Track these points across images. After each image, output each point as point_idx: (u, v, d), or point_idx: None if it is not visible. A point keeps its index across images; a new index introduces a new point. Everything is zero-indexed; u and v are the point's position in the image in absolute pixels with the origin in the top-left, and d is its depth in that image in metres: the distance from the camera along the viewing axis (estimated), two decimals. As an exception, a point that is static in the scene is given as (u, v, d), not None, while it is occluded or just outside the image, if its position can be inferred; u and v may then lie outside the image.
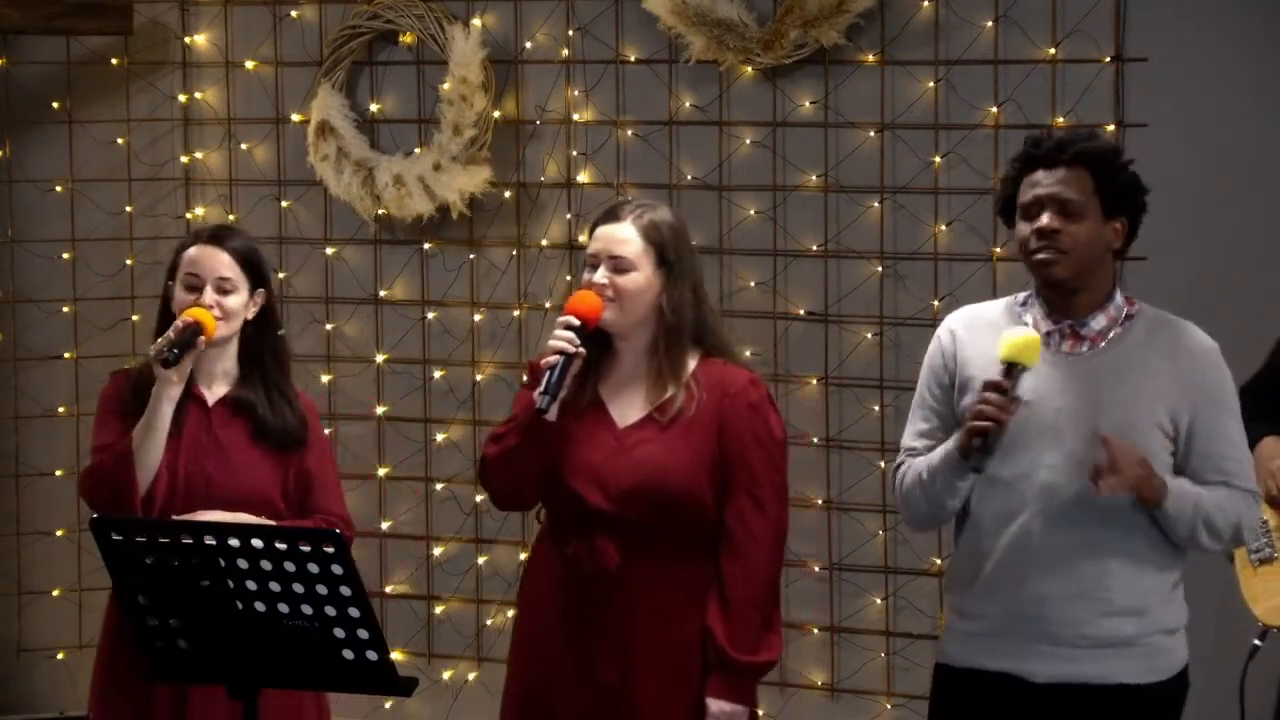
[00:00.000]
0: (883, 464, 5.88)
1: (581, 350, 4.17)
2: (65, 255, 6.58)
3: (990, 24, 5.71)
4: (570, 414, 4.23)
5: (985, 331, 4.11)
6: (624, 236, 4.27)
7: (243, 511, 4.45)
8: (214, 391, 4.57)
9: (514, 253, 6.29)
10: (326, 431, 6.35)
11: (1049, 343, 4.05)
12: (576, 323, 4.18)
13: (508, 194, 6.27)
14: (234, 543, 3.76)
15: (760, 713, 6.04)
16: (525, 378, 4.39)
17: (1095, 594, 3.97)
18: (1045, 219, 3.99)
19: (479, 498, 6.32)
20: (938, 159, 5.80)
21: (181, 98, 6.59)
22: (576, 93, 6.17)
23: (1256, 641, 4.82)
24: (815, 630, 5.99)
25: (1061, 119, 5.62)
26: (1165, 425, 4.00)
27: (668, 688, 4.22)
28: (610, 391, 4.29)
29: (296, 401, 4.61)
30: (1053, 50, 5.65)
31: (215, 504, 4.46)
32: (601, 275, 4.24)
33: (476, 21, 6.21)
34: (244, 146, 6.56)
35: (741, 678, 4.23)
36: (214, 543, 3.77)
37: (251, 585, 3.78)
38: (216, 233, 4.61)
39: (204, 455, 4.51)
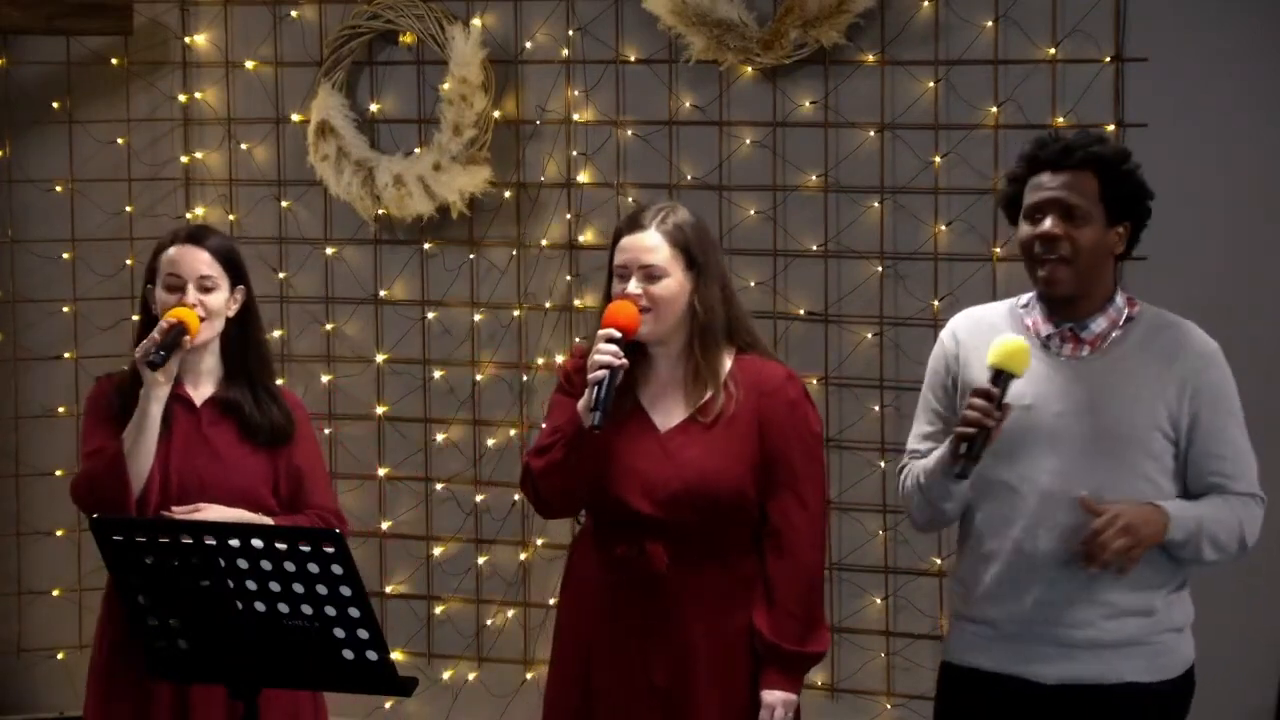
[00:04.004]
0: (883, 464, 5.88)
1: (625, 362, 4.16)
2: (65, 255, 6.58)
3: (990, 24, 5.71)
4: (613, 423, 4.19)
5: (986, 334, 4.09)
6: (651, 244, 4.26)
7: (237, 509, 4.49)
8: (200, 391, 4.60)
9: (514, 253, 6.29)
10: (326, 431, 6.38)
11: (1049, 346, 4.04)
12: (618, 335, 4.16)
13: (508, 194, 6.27)
14: (234, 543, 3.77)
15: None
16: (562, 381, 4.37)
17: (1098, 597, 3.96)
18: (1048, 224, 3.96)
19: (479, 498, 6.32)
20: (938, 159, 5.79)
21: (181, 98, 6.59)
22: (576, 93, 6.17)
23: None
24: (815, 630, 5.99)
25: (1061, 119, 5.61)
26: (1165, 428, 3.97)
27: (719, 685, 4.25)
28: (650, 397, 4.29)
29: (281, 398, 4.65)
30: (1053, 50, 5.65)
31: (208, 502, 4.49)
32: (635, 286, 4.23)
33: (476, 21, 6.20)
34: (244, 146, 6.55)
35: (793, 667, 4.27)
36: (214, 543, 3.78)
37: (251, 585, 3.78)
38: (194, 232, 4.64)
39: (195, 455, 4.53)
